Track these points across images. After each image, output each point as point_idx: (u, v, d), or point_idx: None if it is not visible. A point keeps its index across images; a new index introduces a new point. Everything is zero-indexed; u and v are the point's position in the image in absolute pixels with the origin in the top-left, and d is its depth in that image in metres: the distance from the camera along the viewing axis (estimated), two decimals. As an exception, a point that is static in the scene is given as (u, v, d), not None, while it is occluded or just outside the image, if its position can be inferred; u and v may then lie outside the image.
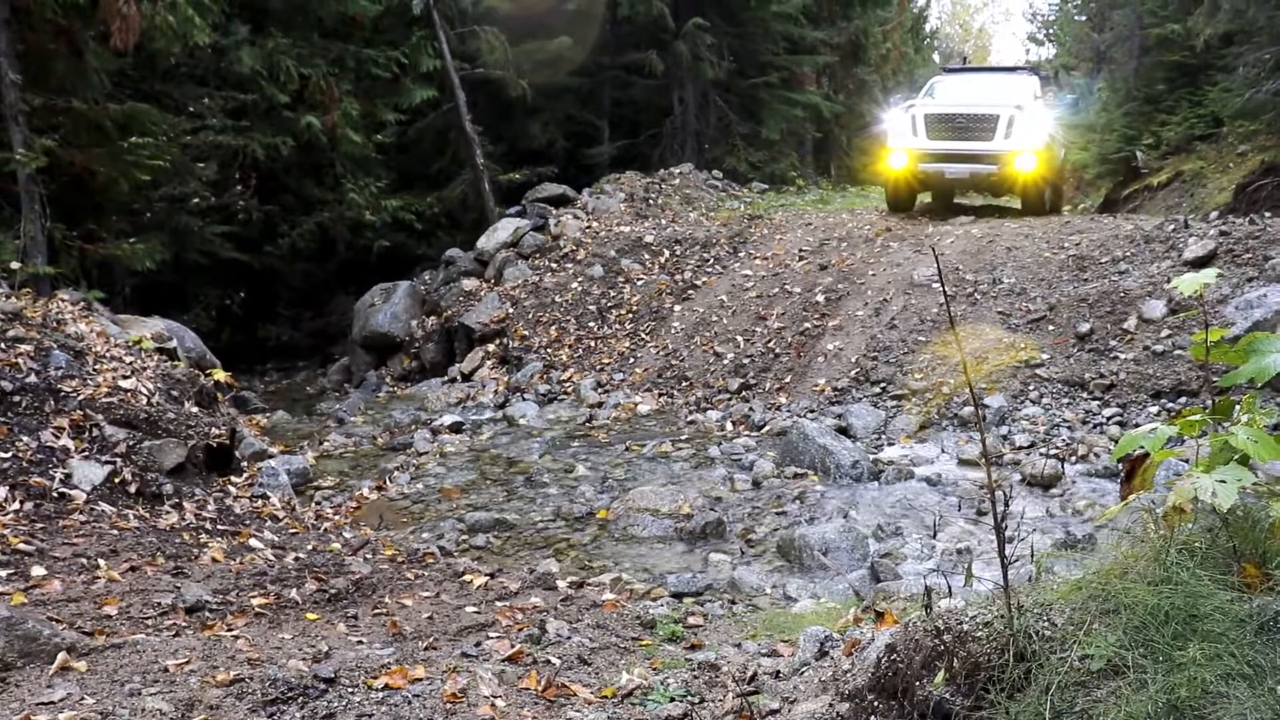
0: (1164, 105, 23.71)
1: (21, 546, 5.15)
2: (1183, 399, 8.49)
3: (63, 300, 8.80)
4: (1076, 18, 36.35)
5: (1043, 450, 8.28)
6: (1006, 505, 2.77)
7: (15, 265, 9.48)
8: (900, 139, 14.36)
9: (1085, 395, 9.00)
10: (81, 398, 6.75)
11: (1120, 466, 6.63)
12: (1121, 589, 2.55)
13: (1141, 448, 2.94)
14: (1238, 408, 2.94)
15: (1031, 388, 9.24)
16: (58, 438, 6.33)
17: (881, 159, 15.29)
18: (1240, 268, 9.55)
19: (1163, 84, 24.01)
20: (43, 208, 10.48)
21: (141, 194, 13.05)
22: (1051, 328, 9.87)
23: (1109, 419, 8.61)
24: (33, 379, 6.64)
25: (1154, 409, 8.55)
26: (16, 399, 6.44)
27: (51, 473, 6.02)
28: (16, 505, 5.62)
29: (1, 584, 4.66)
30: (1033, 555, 3.96)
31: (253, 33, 14.83)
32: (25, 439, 6.18)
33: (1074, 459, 8.08)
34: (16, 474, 5.87)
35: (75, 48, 10.97)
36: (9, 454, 6.00)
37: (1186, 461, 3.05)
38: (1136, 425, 8.35)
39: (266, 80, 14.81)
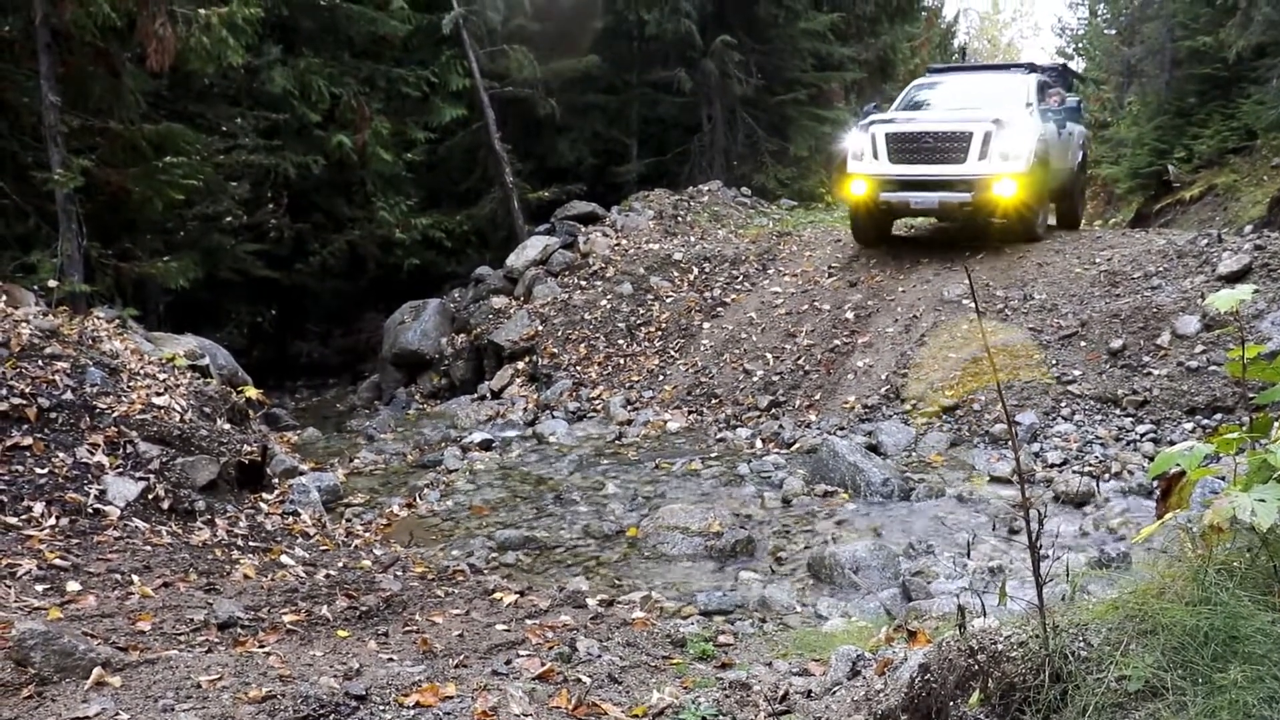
0: (1196, 118, 23.56)
1: (57, 562, 5.20)
2: (1218, 416, 8.39)
3: (98, 318, 8.90)
4: (1106, 31, 36.23)
5: (1076, 468, 8.21)
6: (1040, 524, 2.75)
7: (52, 283, 9.61)
8: (859, 163, 12.52)
9: (1118, 412, 8.92)
10: (116, 414, 6.82)
11: (1156, 484, 6.57)
12: (1159, 609, 2.52)
13: (1177, 466, 2.91)
14: (1276, 424, 2.90)
15: (1064, 404, 9.16)
16: (93, 454, 6.40)
17: (844, 185, 13.21)
18: (1276, 282, 9.44)
19: (1194, 97, 23.87)
20: (79, 227, 10.63)
21: (175, 213, 13.21)
22: (1083, 343, 9.79)
23: (1143, 436, 8.53)
24: (69, 396, 6.72)
25: (1189, 426, 8.45)
26: (53, 415, 6.52)
27: (87, 489, 6.08)
28: (53, 521, 5.68)
29: (38, 599, 4.71)
30: (1067, 574, 3.93)
31: (285, 53, 15.00)
32: (61, 455, 6.25)
33: (1107, 476, 8.00)
34: (53, 490, 5.93)
35: (113, 69, 11.15)
36: (45, 470, 6.06)
37: (1224, 479, 3.02)
38: (1171, 442, 8.27)
39: (298, 100, 14.97)
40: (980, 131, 11.82)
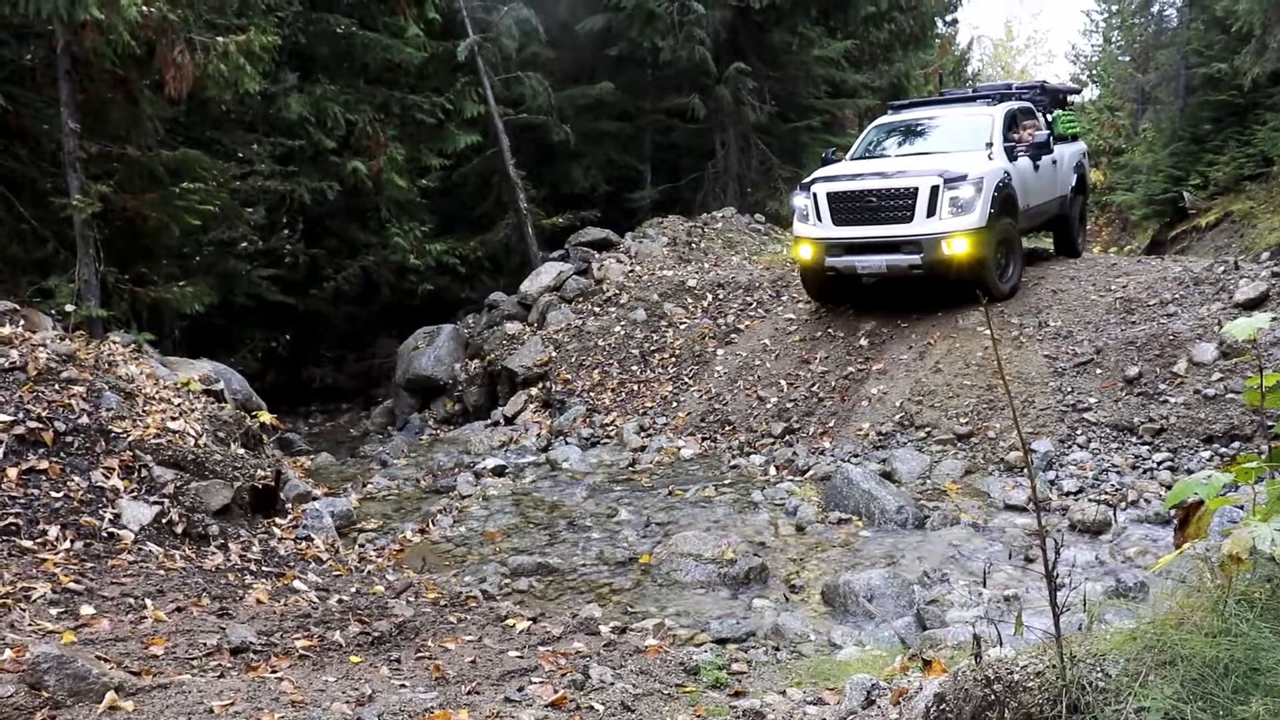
0: (1211, 145, 23.58)
1: (72, 585, 5.21)
2: (1236, 444, 8.34)
3: (114, 342, 8.95)
4: (1120, 58, 36.29)
5: (1092, 496, 8.16)
6: (1057, 552, 2.73)
7: (70, 308, 9.68)
8: (804, 225, 11.77)
9: (1134, 440, 8.87)
10: (131, 439, 6.84)
11: (1174, 513, 6.52)
12: (1178, 640, 2.50)
13: (1196, 494, 2.89)
14: (1295, 454, 2.88)
15: (1079, 432, 9.12)
16: (108, 478, 6.42)
17: (794, 248, 12.34)
18: (1293, 310, 9.39)
19: (1209, 124, 23.90)
20: (97, 252, 10.71)
21: (191, 238, 13.30)
22: (1099, 371, 9.74)
23: (1159, 464, 8.47)
24: (85, 420, 6.75)
25: (1206, 454, 8.40)
26: (69, 439, 6.55)
27: (101, 513, 6.10)
28: (67, 544, 5.69)
29: (52, 623, 4.71)
30: (1084, 604, 3.90)
31: (301, 80, 15.12)
32: (77, 479, 6.27)
33: (1124, 505, 7.95)
34: (68, 513, 5.95)
35: (131, 96, 11.25)
36: (61, 494, 6.08)
37: (1242, 509, 2.99)
38: (1188, 471, 8.22)
39: (314, 126, 15.07)
40: (926, 187, 10.94)
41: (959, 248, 10.83)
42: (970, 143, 11.95)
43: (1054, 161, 13.07)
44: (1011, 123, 12.52)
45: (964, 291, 11.10)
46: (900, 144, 12.81)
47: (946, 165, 11.18)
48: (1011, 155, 11.88)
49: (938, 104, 14.01)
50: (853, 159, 12.72)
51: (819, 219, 11.53)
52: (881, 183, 11.30)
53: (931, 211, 10.90)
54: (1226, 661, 2.36)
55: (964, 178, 10.94)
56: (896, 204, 11.10)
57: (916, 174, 11.17)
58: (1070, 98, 15.74)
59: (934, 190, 10.90)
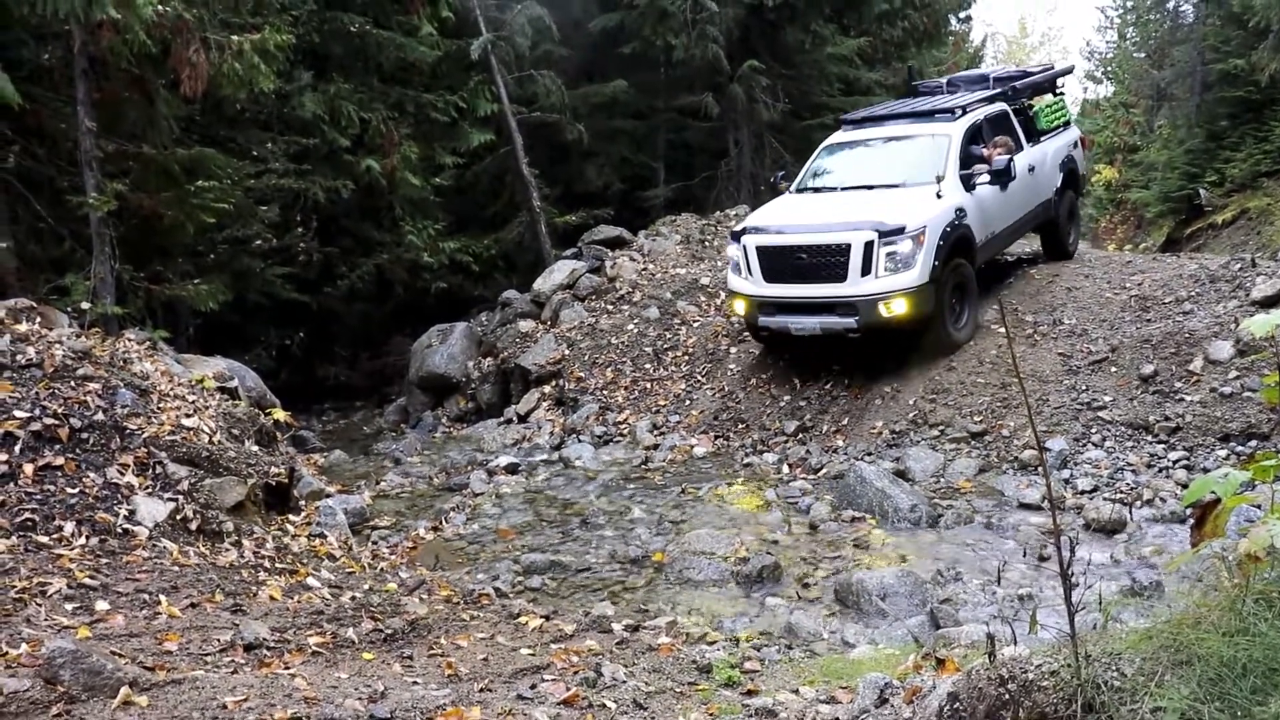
0: (1227, 142, 23.48)
1: (87, 581, 5.23)
2: (1253, 442, 8.29)
3: (129, 339, 8.98)
4: (1135, 55, 36.13)
5: (1107, 495, 8.12)
6: (1072, 551, 2.71)
7: (85, 305, 9.73)
8: (736, 278, 10.91)
9: (1150, 438, 8.82)
10: (146, 435, 6.86)
11: (1190, 512, 6.49)
12: (1194, 639, 2.48)
13: (1213, 493, 2.87)
14: (1313, 452, 2.86)
15: (1094, 430, 9.08)
16: (123, 474, 6.44)
17: (730, 302, 11.54)
18: (1310, 308, 9.32)
19: (1226, 120, 23.80)
20: (112, 250, 10.76)
21: (206, 236, 13.35)
22: (1114, 369, 9.70)
23: (1175, 463, 8.43)
24: (100, 416, 6.77)
25: (1222, 452, 8.35)
26: (84, 436, 6.57)
27: (116, 509, 6.12)
28: (83, 540, 5.71)
29: (67, 618, 4.73)
30: (1099, 602, 3.88)
31: (315, 79, 15.16)
32: (92, 475, 6.29)
33: (1139, 504, 7.92)
34: (83, 509, 5.97)
35: (147, 95, 11.31)
36: (76, 490, 6.11)
37: (1260, 507, 2.97)
38: (1204, 470, 8.17)
39: (328, 125, 15.11)
40: (859, 243, 9.87)
41: (898, 309, 9.91)
42: (922, 171, 10.73)
43: (1031, 169, 11.95)
44: (975, 136, 11.35)
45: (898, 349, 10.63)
46: (845, 173, 11.57)
47: (883, 216, 10.03)
48: (969, 185, 10.73)
49: (895, 119, 12.15)
50: (796, 190, 11.76)
51: (749, 273, 10.66)
52: (811, 238, 10.26)
53: (866, 270, 9.90)
54: (1244, 661, 2.34)
55: (901, 230, 9.85)
56: (828, 261, 10.10)
57: (848, 227, 10.05)
58: (1060, 80, 14.34)
59: (868, 246, 9.87)
